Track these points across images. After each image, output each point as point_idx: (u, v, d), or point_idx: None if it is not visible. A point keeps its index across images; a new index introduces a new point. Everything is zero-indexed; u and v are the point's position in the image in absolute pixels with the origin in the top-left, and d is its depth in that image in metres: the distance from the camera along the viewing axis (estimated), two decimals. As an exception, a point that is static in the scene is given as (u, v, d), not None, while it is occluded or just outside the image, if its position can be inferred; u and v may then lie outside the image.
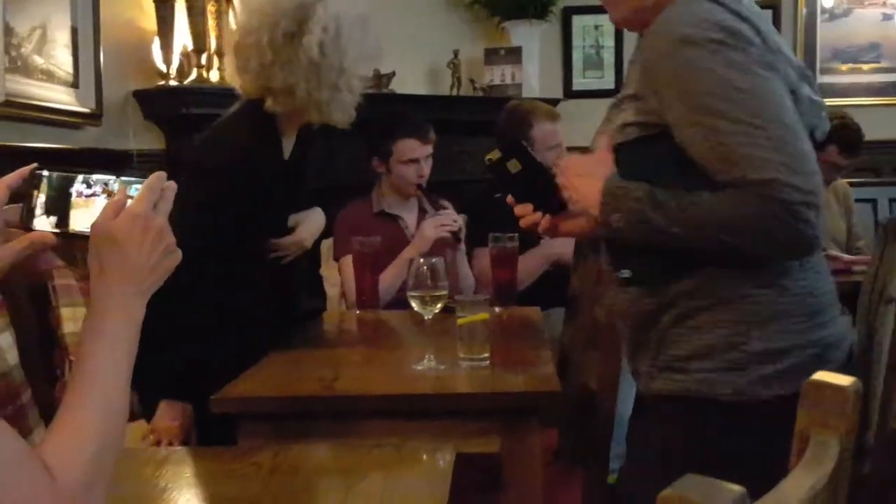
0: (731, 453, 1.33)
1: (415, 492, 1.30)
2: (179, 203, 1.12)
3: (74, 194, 1.07)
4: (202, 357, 2.17)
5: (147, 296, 0.98)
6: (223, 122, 2.34)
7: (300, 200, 2.55)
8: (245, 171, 2.18)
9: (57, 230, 1.08)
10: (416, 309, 2.12)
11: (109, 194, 1.06)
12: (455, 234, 3.13)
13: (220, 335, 2.24)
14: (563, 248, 3.25)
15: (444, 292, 2.11)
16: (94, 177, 1.07)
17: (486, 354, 2.04)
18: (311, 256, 3.71)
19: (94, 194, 1.07)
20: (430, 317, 2.12)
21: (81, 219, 1.06)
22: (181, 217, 2.28)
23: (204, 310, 2.18)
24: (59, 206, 1.08)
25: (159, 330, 2.07)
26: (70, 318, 2.65)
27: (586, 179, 1.49)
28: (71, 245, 2.67)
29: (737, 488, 0.60)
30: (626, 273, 1.51)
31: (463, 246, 3.27)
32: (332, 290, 3.54)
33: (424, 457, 1.44)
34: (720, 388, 1.45)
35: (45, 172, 1.08)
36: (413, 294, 2.10)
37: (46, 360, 2.62)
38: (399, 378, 2.03)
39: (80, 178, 1.07)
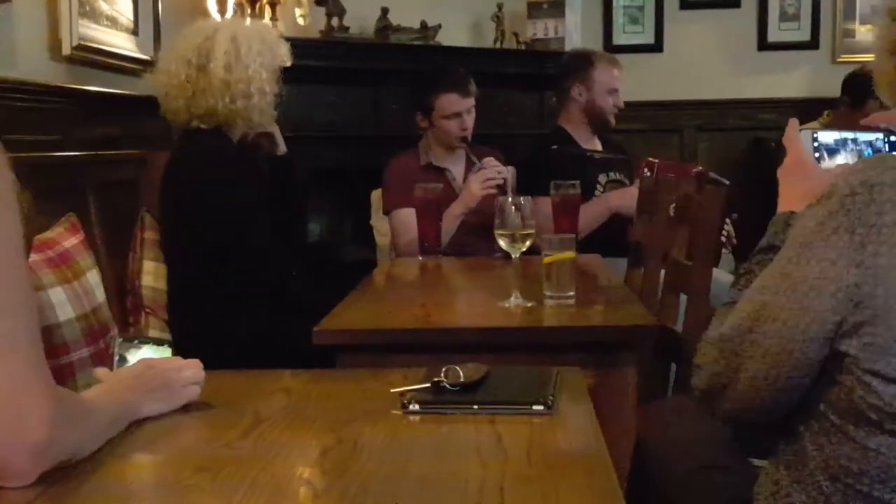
0: None
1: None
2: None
3: None
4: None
5: (130, 415, 1.23)
6: (182, 155, 2.64)
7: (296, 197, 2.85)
8: (230, 166, 2.56)
9: None
10: (503, 247, 2.12)
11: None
12: (501, 188, 3.11)
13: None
14: (621, 200, 3.33)
15: (533, 231, 2.11)
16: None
17: (572, 293, 2.06)
18: (360, 208, 3.74)
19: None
20: (518, 255, 2.13)
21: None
22: (221, 216, 2.59)
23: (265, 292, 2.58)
24: None
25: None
26: (150, 273, 2.67)
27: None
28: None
29: None
30: None
31: (510, 197, 3.27)
32: (381, 240, 3.56)
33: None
34: None
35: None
36: (501, 232, 2.10)
37: (121, 306, 2.65)
38: (490, 314, 2.06)
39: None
